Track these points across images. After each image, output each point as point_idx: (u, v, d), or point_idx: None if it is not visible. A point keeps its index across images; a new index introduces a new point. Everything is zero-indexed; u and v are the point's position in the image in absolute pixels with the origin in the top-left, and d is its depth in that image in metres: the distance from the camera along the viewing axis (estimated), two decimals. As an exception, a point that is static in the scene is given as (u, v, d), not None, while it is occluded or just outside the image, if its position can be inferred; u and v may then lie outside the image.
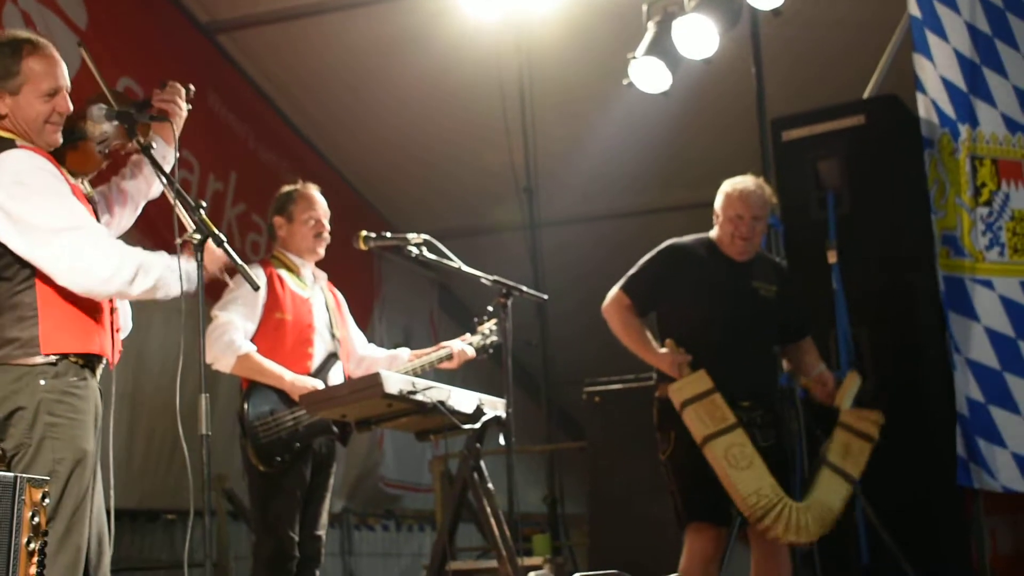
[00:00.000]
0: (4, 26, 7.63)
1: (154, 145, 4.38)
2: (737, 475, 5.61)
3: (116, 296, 4.17)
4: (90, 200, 4.32)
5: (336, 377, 5.91)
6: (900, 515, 6.36)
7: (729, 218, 5.96)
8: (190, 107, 4.63)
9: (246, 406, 5.69)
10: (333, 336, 6.00)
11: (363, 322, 6.36)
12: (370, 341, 6.37)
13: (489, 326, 6.05)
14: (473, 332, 6.12)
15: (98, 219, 4.29)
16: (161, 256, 4.11)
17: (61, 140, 4.19)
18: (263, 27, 10.21)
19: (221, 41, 10.29)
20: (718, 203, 6.02)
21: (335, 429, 5.83)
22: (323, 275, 6.10)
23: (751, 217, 5.94)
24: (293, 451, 5.69)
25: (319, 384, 5.71)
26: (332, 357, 5.94)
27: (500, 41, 9.82)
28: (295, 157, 11.27)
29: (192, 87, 4.64)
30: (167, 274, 4.08)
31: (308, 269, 6.02)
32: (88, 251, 4.00)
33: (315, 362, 5.87)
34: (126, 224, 4.59)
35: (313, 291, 5.98)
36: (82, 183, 4.32)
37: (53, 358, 4.02)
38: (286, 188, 6.09)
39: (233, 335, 5.66)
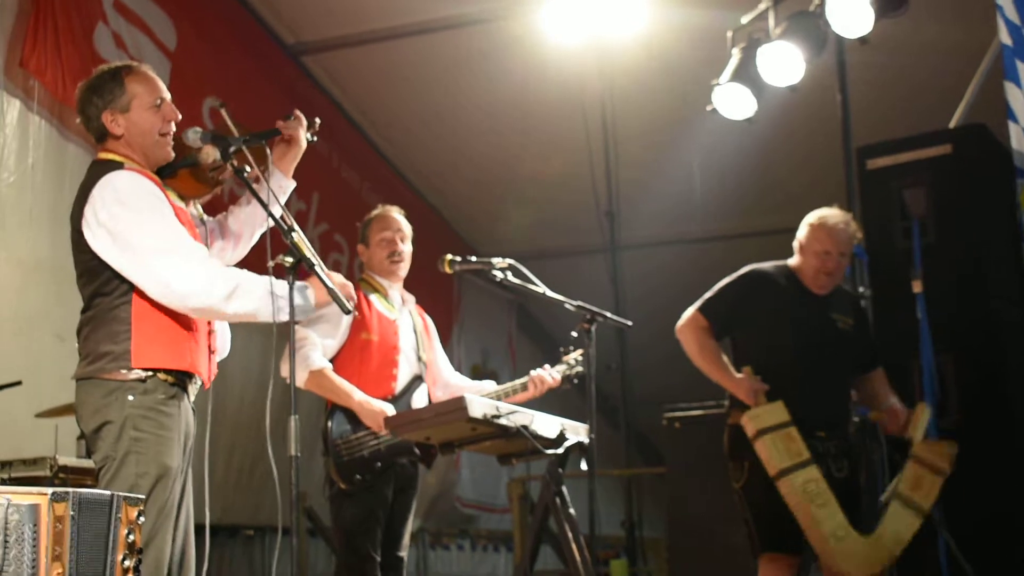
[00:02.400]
0: (95, 45, 7.79)
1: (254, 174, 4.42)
2: (818, 512, 5.57)
3: (207, 314, 4.22)
4: (200, 222, 4.43)
5: (420, 399, 5.92)
6: (984, 547, 6.27)
7: (815, 252, 5.91)
8: (314, 140, 4.72)
9: (330, 424, 5.71)
10: (420, 359, 5.99)
11: (442, 344, 6.36)
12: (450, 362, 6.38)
13: (575, 356, 6.01)
14: (557, 359, 6.08)
15: (205, 242, 4.39)
16: (264, 280, 4.15)
17: (172, 155, 4.32)
18: (347, 49, 10.34)
19: (306, 62, 10.44)
20: (803, 234, 5.97)
21: (417, 451, 5.83)
22: (411, 298, 6.10)
23: (838, 253, 5.90)
24: (374, 470, 5.69)
25: (388, 408, 5.67)
26: (417, 379, 5.94)
27: (583, 65, 9.86)
28: (377, 177, 11.36)
29: (318, 120, 4.74)
30: (268, 299, 4.12)
31: (396, 291, 6.02)
32: (177, 270, 4.07)
33: (399, 383, 5.87)
34: (243, 249, 4.67)
35: (401, 313, 5.99)
36: (192, 206, 4.42)
37: (143, 374, 4.09)
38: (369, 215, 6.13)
39: (308, 350, 5.66)
